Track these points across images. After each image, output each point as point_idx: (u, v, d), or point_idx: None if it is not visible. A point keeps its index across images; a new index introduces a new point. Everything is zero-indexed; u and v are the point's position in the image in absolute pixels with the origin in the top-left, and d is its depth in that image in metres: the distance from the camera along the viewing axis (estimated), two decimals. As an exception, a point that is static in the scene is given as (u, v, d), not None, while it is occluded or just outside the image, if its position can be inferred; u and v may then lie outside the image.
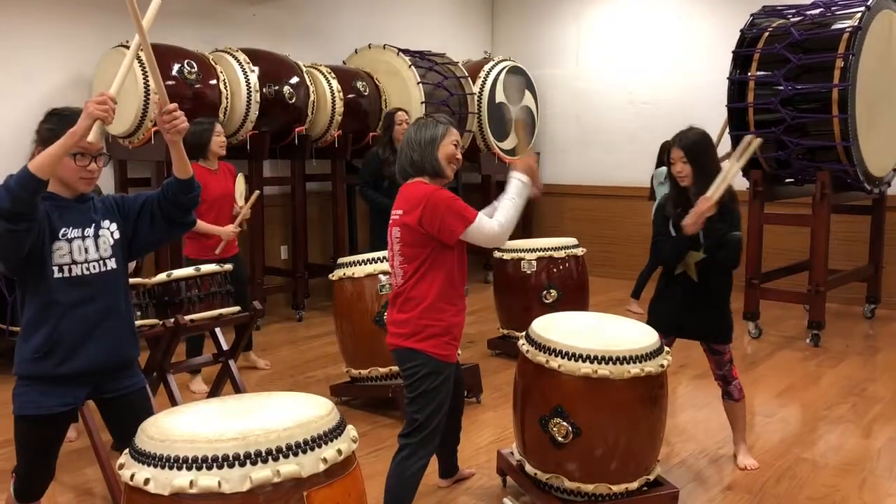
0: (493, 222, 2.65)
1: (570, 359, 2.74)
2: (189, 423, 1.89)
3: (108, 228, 2.32)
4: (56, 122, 2.25)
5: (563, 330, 2.90)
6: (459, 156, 2.79)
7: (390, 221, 2.74)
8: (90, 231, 2.28)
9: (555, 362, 2.76)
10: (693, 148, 3.21)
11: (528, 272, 4.94)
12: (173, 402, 3.57)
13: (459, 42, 8.39)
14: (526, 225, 8.28)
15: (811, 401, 4.36)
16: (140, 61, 4.95)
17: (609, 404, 2.73)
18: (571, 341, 2.78)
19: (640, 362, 2.73)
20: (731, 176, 3.13)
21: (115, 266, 2.32)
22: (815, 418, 4.10)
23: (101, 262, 2.29)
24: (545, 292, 4.89)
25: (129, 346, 2.40)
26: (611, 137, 8.22)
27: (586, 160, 8.43)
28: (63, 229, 2.23)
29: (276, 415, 1.91)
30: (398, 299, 2.70)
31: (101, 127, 2.06)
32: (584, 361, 2.72)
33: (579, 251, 5.07)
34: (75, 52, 5.52)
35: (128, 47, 5.21)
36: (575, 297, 4.92)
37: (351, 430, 2.00)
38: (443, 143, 2.72)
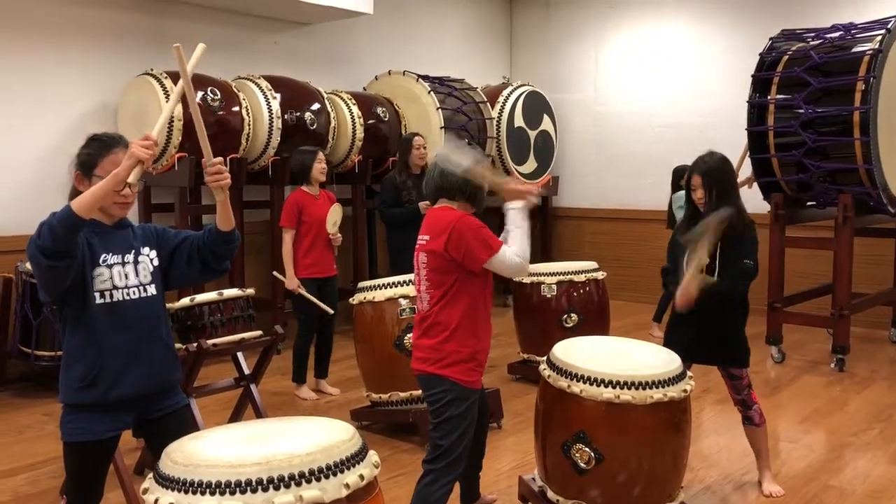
0: (514, 255, 2.66)
1: (592, 384, 2.73)
2: (213, 448, 1.89)
3: (147, 255, 2.35)
4: (94, 147, 2.30)
5: (584, 354, 2.89)
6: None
7: (417, 246, 2.76)
8: (130, 257, 2.31)
9: (576, 387, 2.74)
10: (711, 173, 3.21)
11: (549, 296, 4.93)
12: (195, 427, 3.59)
13: (478, 68, 8.46)
14: (545, 248, 8.27)
15: (837, 426, 4.30)
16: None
17: (632, 430, 2.71)
18: (593, 366, 2.77)
19: (663, 387, 2.71)
20: (702, 262, 3.06)
21: (154, 292, 2.34)
22: (841, 444, 4.04)
23: (140, 287, 2.31)
24: (565, 316, 4.87)
25: (172, 370, 2.42)
26: (630, 161, 8.22)
27: (605, 183, 8.43)
28: (103, 255, 2.26)
29: (298, 440, 1.91)
30: (423, 324, 2.71)
31: (141, 168, 2.09)
32: (606, 386, 2.70)
33: (599, 275, 5.05)
34: (101, 79, 5.61)
35: (153, 75, 5.38)
36: (596, 322, 4.90)
37: (373, 456, 2.00)
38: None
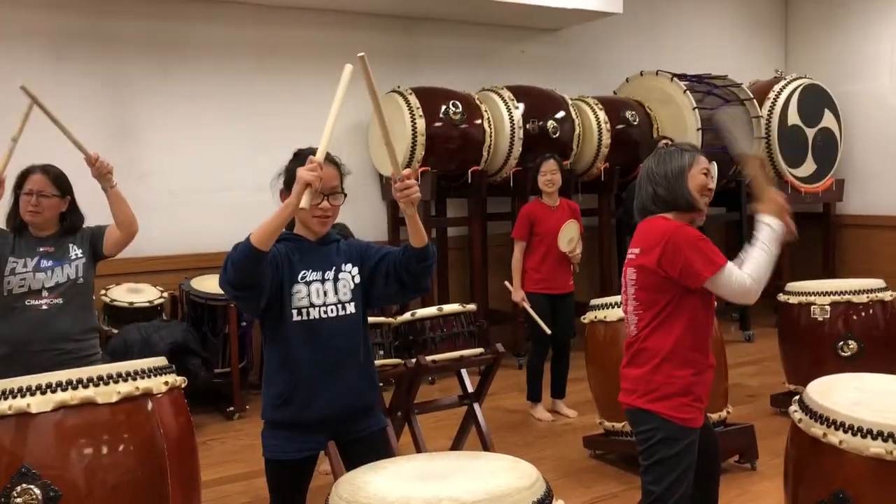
0: (743, 274, 2.27)
1: (855, 434, 2.19)
2: (381, 484, 1.78)
3: (349, 272, 2.28)
4: (296, 163, 2.25)
5: (848, 396, 2.35)
6: (712, 185, 2.44)
7: (626, 261, 2.44)
8: (330, 274, 2.25)
9: (835, 437, 2.22)
10: None
11: (821, 319, 4.25)
12: (416, 444, 3.54)
13: (745, 62, 7.68)
14: (826, 263, 7.29)
15: None
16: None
17: (911, 495, 2.14)
18: (858, 412, 2.22)
19: (956, 444, 2.10)
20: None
21: (353, 310, 2.26)
22: None
23: (339, 305, 2.24)
24: (842, 344, 4.17)
25: (367, 392, 2.34)
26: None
27: (902, 187, 7.24)
28: (303, 272, 2.23)
29: (472, 482, 1.72)
30: (630, 350, 2.39)
31: (311, 192, 2.02)
32: (874, 438, 2.15)
33: (887, 295, 4.25)
34: (354, 99, 5.83)
35: (399, 92, 5.52)
36: (880, 352, 4.12)
37: (557, 507, 1.73)
38: (691, 172, 2.41)
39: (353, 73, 2.15)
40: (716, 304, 2.50)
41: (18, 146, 2.93)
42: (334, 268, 2.27)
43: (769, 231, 2.30)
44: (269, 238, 2.02)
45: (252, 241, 2.00)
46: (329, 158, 2.23)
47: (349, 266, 2.29)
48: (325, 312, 2.22)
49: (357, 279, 2.29)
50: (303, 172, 2.00)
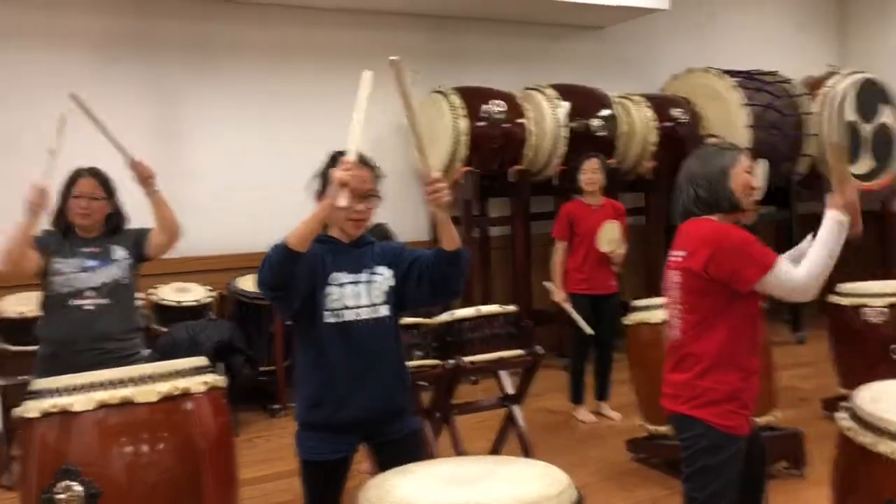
0: (798, 271, 2.19)
1: (907, 443, 2.11)
2: (410, 488, 1.77)
3: (382, 274, 2.28)
4: (330, 166, 2.25)
5: (901, 403, 2.27)
6: (755, 184, 2.37)
7: (668, 263, 2.39)
8: (363, 276, 2.26)
9: (885, 446, 2.13)
10: None
11: (874, 321, 4.11)
12: (456, 446, 3.53)
13: (796, 58, 7.48)
14: (885, 261, 7.05)
15: None
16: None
17: (966, 508, 2.05)
18: (910, 420, 2.14)
19: None
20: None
21: (386, 313, 2.27)
22: None
23: (372, 308, 2.25)
24: (897, 347, 4.03)
25: (399, 395, 2.33)
26: None
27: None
28: (336, 274, 2.23)
29: (501, 488, 1.71)
30: (675, 355, 2.34)
31: (346, 191, 2.02)
32: (927, 448, 2.07)
33: (946, 297, 4.10)
34: (396, 101, 5.88)
35: (440, 91, 5.51)
36: (938, 356, 3.97)
37: (588, 516, 1.70)
38: (734, 171, 2.33)
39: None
40: (765, 305, 2.44)
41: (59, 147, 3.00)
42: (367, 270, 2.27)
43: (834, 226, 2.21)
44: (306, 239, 2.03)
45: (288, 242, 2.01)
46: (364, 161, 2.24)
47: (382, 268, 2.29)
48: (358, 315, 2.22)
49: (391, 282, 2.28)
50: (338, 174, 2.01)
